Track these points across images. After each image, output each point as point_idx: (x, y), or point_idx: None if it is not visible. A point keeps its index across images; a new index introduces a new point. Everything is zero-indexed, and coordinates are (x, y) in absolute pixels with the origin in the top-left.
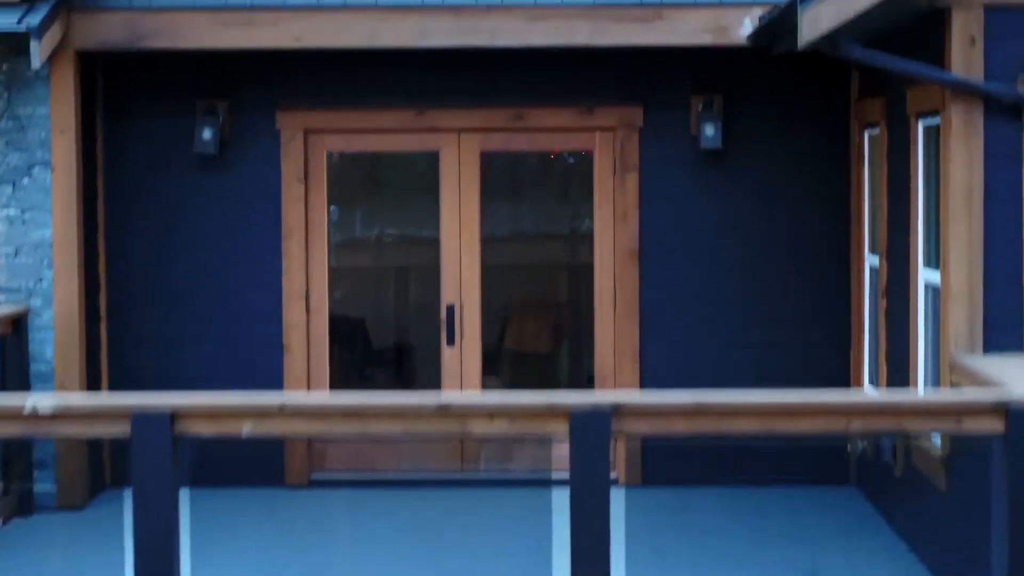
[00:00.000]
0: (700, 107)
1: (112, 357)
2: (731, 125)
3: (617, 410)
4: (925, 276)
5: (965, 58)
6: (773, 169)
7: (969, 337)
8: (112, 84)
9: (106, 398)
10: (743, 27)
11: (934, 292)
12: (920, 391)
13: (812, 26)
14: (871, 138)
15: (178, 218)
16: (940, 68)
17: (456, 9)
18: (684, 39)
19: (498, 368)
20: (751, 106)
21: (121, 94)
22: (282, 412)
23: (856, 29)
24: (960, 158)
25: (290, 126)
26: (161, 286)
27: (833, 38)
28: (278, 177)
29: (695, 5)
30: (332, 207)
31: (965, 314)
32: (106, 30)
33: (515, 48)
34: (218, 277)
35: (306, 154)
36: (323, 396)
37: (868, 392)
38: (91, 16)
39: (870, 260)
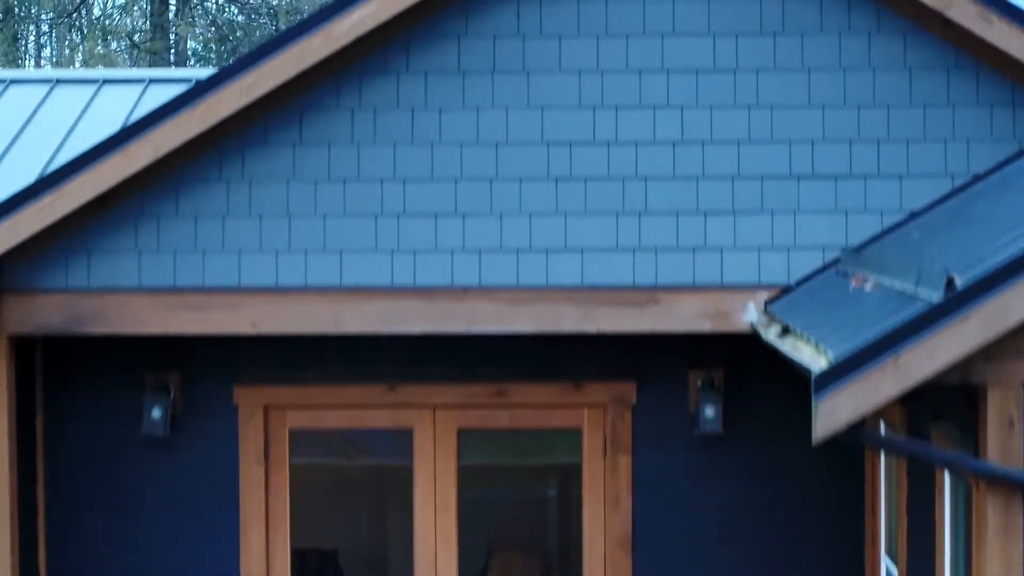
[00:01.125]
0: (699, 383)
1: None
2: (733, 403)
3: None
4: None
5: (1002, 444)
6: (779, 452)
7: None
8: (52, 359)
9: None
10: (747, 313)
11: None
12: None
13: (828, 419)
14: (887, 423)
15: (127, 502)
16: (973, 454)
17: (429, 292)
18: (681, 325)
19: None
20: (754, 382)
21: (63, 369)
22: None
23: None
24: (997, 558)
25: (249, 402)
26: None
27: (854, 430)
28: (235, 458)
29: (693, 288)
30: None
31: None
32: (43, 313)
33: (495, 334)
34: (171, 566)
35: (266, 433)
36: None
37: None
38: (26, 298)
39: (886, 562)
